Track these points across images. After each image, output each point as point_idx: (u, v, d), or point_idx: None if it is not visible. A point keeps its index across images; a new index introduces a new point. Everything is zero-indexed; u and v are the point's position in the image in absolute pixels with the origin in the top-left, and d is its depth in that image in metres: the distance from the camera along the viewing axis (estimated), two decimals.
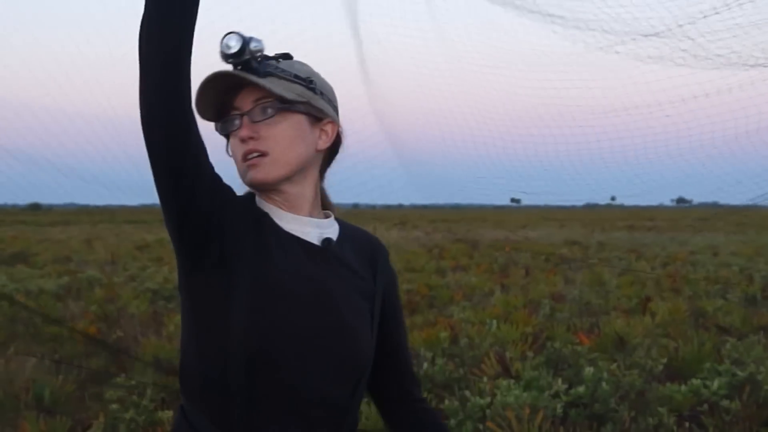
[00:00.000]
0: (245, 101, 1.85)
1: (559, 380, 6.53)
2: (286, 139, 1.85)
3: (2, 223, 55.43)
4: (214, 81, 1.81)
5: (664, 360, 7.66)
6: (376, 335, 1.97)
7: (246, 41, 1.80)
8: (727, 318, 10.85)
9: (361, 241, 2.02)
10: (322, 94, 1.91)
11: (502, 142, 7.76)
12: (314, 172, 1.93)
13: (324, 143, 1.92)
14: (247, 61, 1.82)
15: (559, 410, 6.07)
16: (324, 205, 2.02)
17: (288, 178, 1.87)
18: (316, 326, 1.82)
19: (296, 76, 1.87)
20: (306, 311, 1.82)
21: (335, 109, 1.96)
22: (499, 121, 7.75)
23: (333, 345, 1.84)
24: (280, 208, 1.90)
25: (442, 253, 25.43)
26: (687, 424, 6.21)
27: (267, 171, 1.84)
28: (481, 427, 5.90)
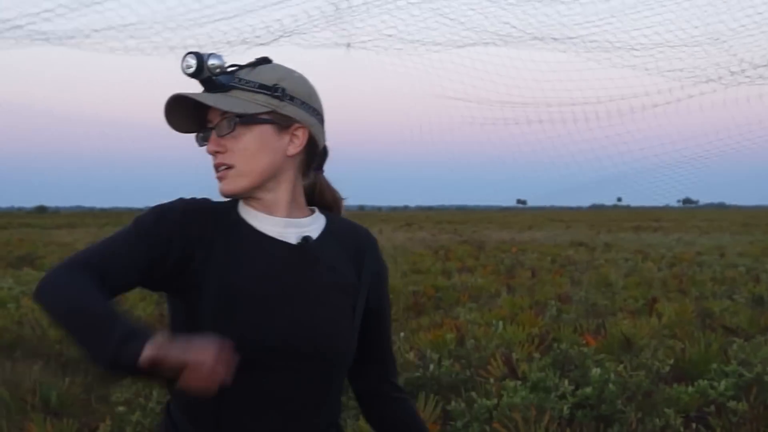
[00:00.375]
0: (214, 115, 1.93)
1: (566, 381, 6.52)
2: (250, 150, 1.90)
3: (9, 226, 55.59)
4: (175, 102, 1.90)
5: (671, 361, 7.65)
6: (357, 328, 2.00)
7: (203, 60, 1.88)
8: (734, 319, 10.83)
9: (348, 236, 2.04)
10: (292, 99, 1.94)
11: None
12: (289, 176, 1.96)
13: (294, 148, 1.95)
14: (208, 78, 1.89)
15: (566, 411, 6.07)
16: (323, 200, 2.09)
17: (259, 187, 1.93)
18: (285, 326, 1.88)
19: (261, 86, 1.92)
20: (275, 311, 1.87)
21: (313, 110, 1.98)
22: None
23: (303, 343, 1.89)
24: (259, 211, 1.95)
25: (448, 254, 25.42)
26: (694, 425, 6.19)
27: (234, 183, 1.92)
28: (487, 428, 5.89)
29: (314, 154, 2.02)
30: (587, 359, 7.52)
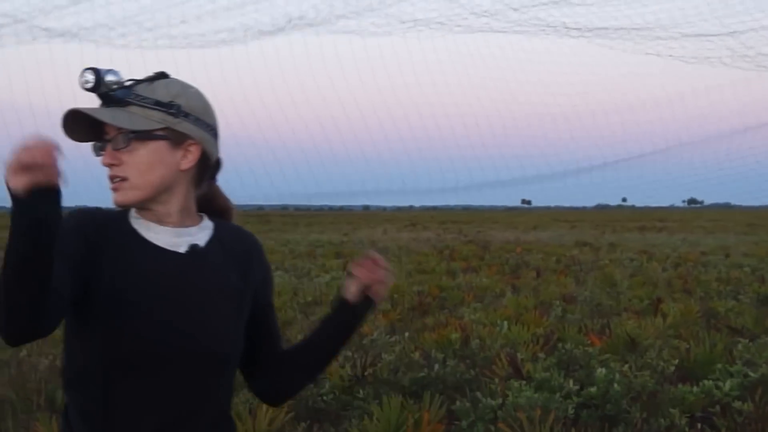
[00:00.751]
0: (111, 128, 1.99)
1: (571, 381, 6.53)
2: (144, 165, 1.98)
3: None
4: (73, 115, 1.96)
5: (676, 361, 7.65)
6: (242, 330, 2.08)
7: (100, 75, 1.95)
8: (738, 319, 10.82)
9: (234, 241, 2.13)
10: (186, 115, 2.01)
11: None
12: (181, 189, 2.03)
13: (187, 163, 2.02)
14: (105, 93, 1.97)
15: (571, 411, 6.07)
16: (216, 208, 2.18)
17: (151, 199, 2.01)
18: (169, 330, 1.96)
19: (157, 102, 1.99)
20: (160, 318, 1.95)
21: (207, 125, 2.05)
22: None
23: (186, 345, 1.97)
24: (150, 221, 2.03)
25: (453, 254, 25.43)
26: (699, 426, 6.20)
27: (127, 195, 1.99)
28: (492, 428, 5.90)
29: (207, 167, 2.09)
30: (592, 359, 7.53)
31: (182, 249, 2.03)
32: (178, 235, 2.03)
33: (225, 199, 2.22)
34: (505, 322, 9.37)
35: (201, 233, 2.07)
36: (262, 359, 2.19)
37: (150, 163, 1.98)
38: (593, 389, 6.36)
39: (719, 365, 7.18)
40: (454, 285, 15.44)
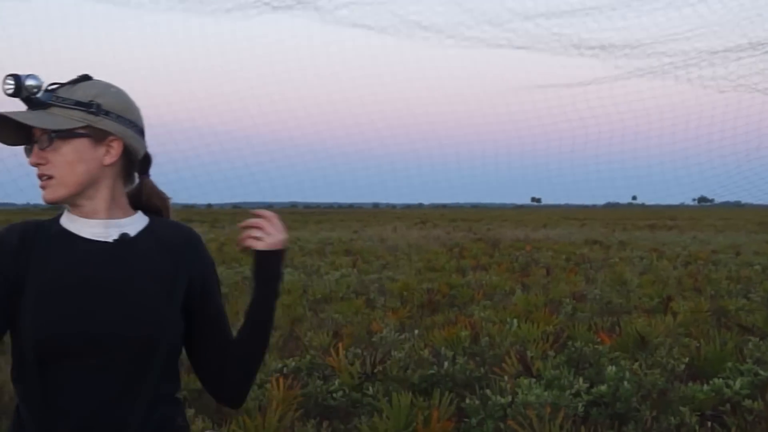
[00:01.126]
0: (37, 130, 2.13)
1: (581, 379, 6.52)
2: (67, 162, 2.12)
3: None
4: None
5: (686, 359, 7.63)
6: (175, 314, 2.16)
7: (20, 81, 2.08)
8: (749, 317, 10.79)
9: (169, 233, 2.23)
10: (107, 113, 2.14)
11: None
12: (107, 184, 2.17)
13: (110, 158, 2.15)
14: (28, 97, 2.10)
15: (581, 409, 6.07)
16: (151, 203, 2.29)
17: (78, 194, 2.14)
18: (92, 315, 2.06)
19: (78, 103, 2.12)
20: (87, 305, 2.06)
21: (129, 122, 2.18)
22: None
23: (113, 329, 2.06)
24: (80, 216, 2.17)
25: (462, 252, 25.41)
26: (709, 424, 6.18)
27: (55, 192, 2.13)
28: (502, 425, 5.90)
29: (133, 161, 2.22)
30: (602, 357, 7.52)
31: (111, 238, 2.15)
32: (107, 226, 2.16)
33: (159, 194, 2.33)
34: (515, 320, 9.36)
35: (133, 224, 2.20)
36: (207, 354, 2.27)
37: (73, 160, 2.12)
38: (603, 387, 6.35)
39: (729, 364, 7.17)
40: (463, 283, 15.43)
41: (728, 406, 6.30)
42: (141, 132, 2.21)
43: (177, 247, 2.21)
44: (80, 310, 2.05)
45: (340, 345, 7.51)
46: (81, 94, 2.13)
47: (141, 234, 2.19)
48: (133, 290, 2.11)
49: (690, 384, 6.80)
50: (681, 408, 6.21)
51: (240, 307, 12.05)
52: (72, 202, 2.15)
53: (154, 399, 2.12)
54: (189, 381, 7.12)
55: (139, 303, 2.10)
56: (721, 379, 6.72)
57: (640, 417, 6.15)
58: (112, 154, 2.15)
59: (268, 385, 6.34)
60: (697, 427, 6.05)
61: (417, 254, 24.45)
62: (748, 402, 6.19)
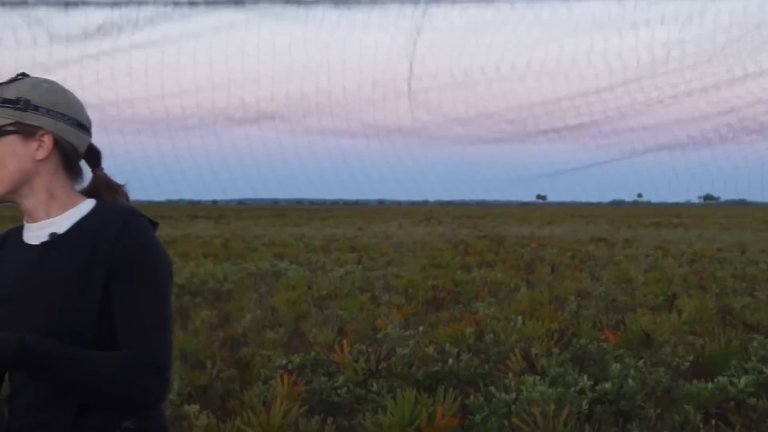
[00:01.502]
0: None
1: (585, 377, 6.51)
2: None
3: None
4: None
5: (691, 357, 7.63)
6: (90, 310, 2.10)
7: None
8: (754, 315, 10.78)
9: (99, 222, 2.15)
10: (36, 108, 2.14)
11: None
12: (42, 180, 2.17)
13: (42, 153, 2.15)
14: None
15: (585, 406, 6.06)
16: (105, 194, 2.26)
17: (14, 192, 2.16)
18: (11, 319, 2.12)
19: (5, 100, 2.13)
20: (7, 307, 2.15)
21: (62, 116, 2.16)
22: None
23: (28, 331, 2.05)
24: (27, 222, 2.21)
25: (467, 249, 25.42)
26: (713, 422, 6.17)
27: None
28: (506, 422, 5.90)
29: (71, 155, 2.20)
30: (607, 355, 7.52)
31: (39, 241, 2.17)
32: (41, 228, 2.18)
33: (111, 185, 2.30)
34: (520, 317, 9.35)
35: (66, 221, 2.18)
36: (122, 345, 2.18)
37: (4, 157, 2.13)
38: (607, 385, 6.35)
39: (734, 362, 7.16)
40: (468, 279, 15.43)
41: (733, 404, 6.30)
42: (79, 125, 2.20)
43: (100, 235, 2.12)
44: (5, 313, 2.14)
45: (344, 341, 7.51)
46: (10, 92, 2.14)
47: (71, 229, 2.16)
48: (48, 293, 2.11)
49: (694, 382, 6.79)
50: (685, 406, 6.21)
51: (245, 304, 12.09)
52: (11, 200, 2.17)
53: (84, 405, 2.09)
54: (193, 377, 7.14)
55: (50, 303, 2.10)
56: (725, 377, 6.71)
57: (645, 415, 6.15)
58: (44, 148, 2.14)
59: (272, 381, 6.35)
60: (701, 425, 6.04)
61: (422, 251, 24.47)
62: (752, 400, 6.19)
